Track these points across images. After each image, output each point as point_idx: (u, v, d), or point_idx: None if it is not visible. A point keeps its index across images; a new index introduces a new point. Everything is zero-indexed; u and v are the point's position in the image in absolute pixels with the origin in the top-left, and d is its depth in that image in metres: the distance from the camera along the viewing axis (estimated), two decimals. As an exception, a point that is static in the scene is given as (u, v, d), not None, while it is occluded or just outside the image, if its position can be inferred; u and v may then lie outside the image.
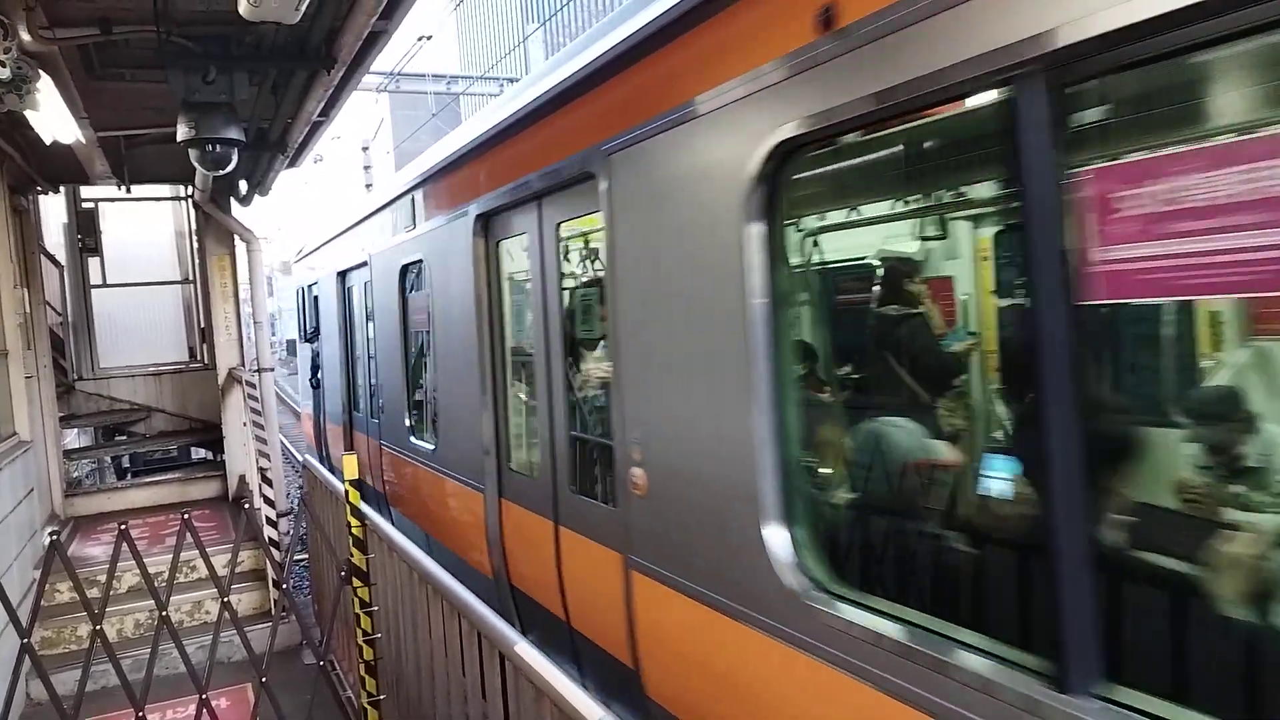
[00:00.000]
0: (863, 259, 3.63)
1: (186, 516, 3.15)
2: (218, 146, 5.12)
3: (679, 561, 3.35)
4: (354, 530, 4.29)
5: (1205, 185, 1.75)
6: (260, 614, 6.71)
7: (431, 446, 6.50)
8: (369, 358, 8.65)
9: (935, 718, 2.25)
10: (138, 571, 3.30)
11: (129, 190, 8.42)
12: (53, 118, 4.94)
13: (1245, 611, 2.07)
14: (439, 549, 6.35)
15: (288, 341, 50.93)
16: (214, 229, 8.55)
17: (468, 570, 5.67)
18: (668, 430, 3.41)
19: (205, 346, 9.72)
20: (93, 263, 9.84)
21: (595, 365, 4.44)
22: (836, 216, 3.39)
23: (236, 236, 8.56)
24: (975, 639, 2.28)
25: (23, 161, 7.02)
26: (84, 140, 5.87)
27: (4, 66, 3.94)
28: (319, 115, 6.23)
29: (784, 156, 2.75)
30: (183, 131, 5.01)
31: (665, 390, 3.41)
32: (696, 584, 3.24)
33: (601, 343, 4.30)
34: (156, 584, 3.18)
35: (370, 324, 8.42)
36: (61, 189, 8.98)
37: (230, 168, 5.46)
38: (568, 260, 4.60)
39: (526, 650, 2.62)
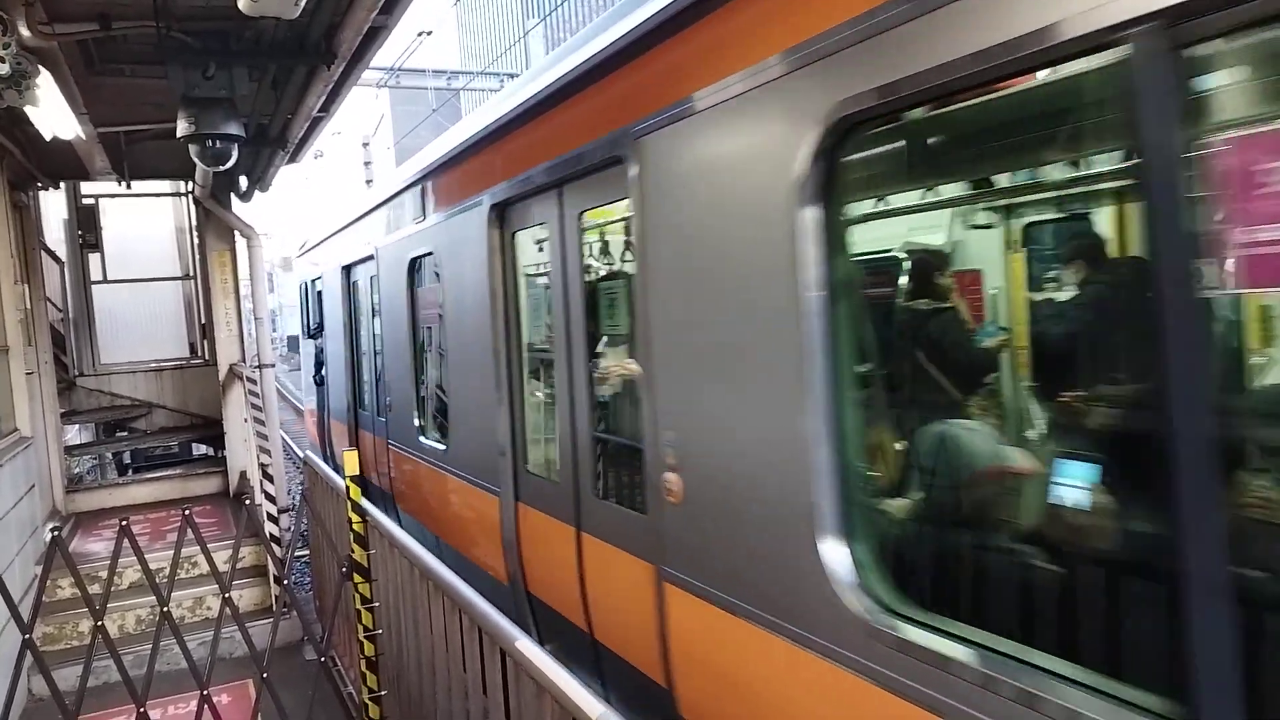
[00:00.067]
0: (933, 246, 3.38)
1: (187, 512, 3.16)
2: (218, 142, 5.11)
3: (719, 575, 3.09)
4: (355, 526, 4.29)
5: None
6: (261, 610, 6.71)
7: (442, 446, 6.29)
8: (375, 354, 8.48)
9: None
10: (139, 567, 3.30)
11: (129, 186, 8.42)
12: (53, 113, 4.93)
13: None
14: (450, 553, 6.12)
15: (288, 337, 51.05)
16: (214, 225, 8.54)
17: (481, 576, 5.46)
18: (706, 433, 3.16)
19: (206, 342, 9.73)
20: (93, 259, 9.87)
21: (621, 362, 4.24)
22: (902, 200, 3.16)
23: (237, 232, 8.55)
24: (1077, 672, 2.02)
25: (23, 157, 7.01)
26: (84, 136, 5.86)
27: (3, 62, 3.94)
28: (319, 111, 6.22)
29: (847, 133, 2.49)
30: (183, 127, 5.00)
31: (704, 390, 3.15)
32: (739, 599, 2.98)
33: (627, 339, 4.09)
34: (158, 580, 3.19)
35: (377, 319, 8.22)
36: (62, 185, 8.99)
37: (230, 163, 5.44)
38: (590, 251, 4.38)
39: (527, 646, 2.62)
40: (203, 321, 9.96)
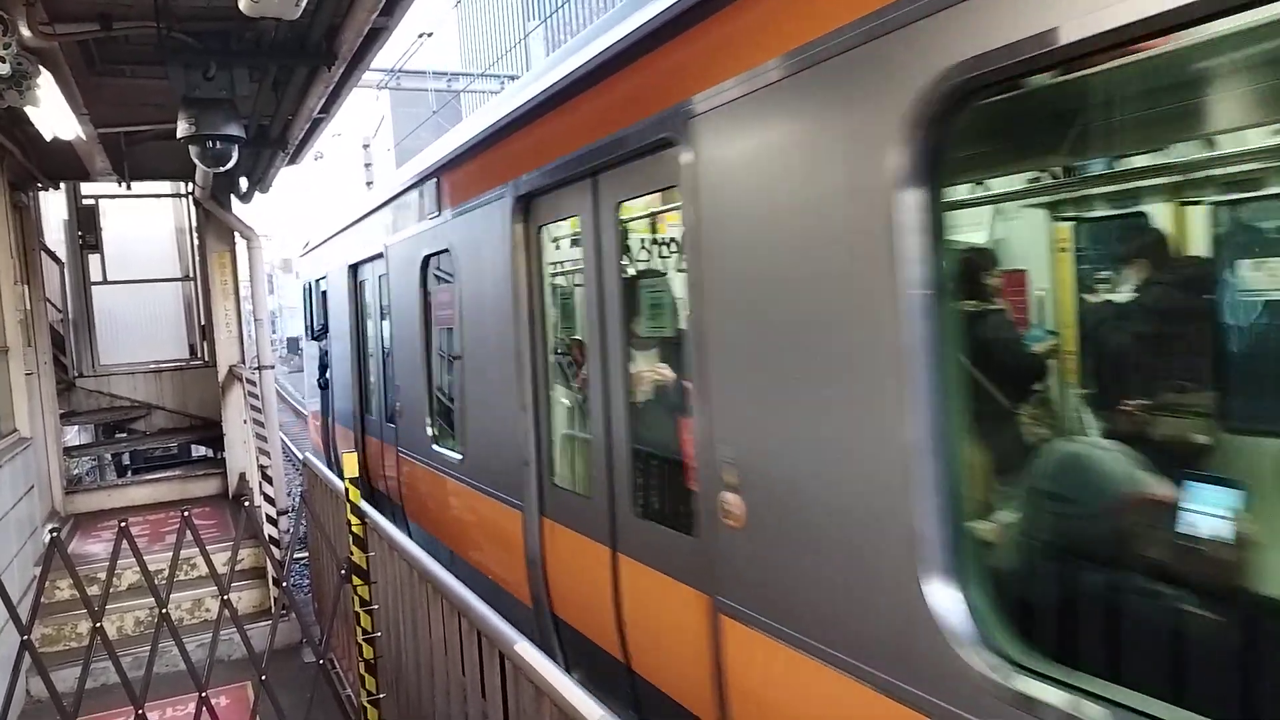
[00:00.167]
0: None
1: (186, 514, 3.15)
2: (218, 143, 5.10)
3: (790, 611, 2.75)
4: (354, 528, 4.28)
5: None
6: (260, 612, 6.70)
7: (459, 456, 5.89)
8: (384, 356, 8.13)
9: None
10: (138, 569, 3.29)
11: (129, 187, 8.42)
12: (53, 114, 4.93)
13: None
14: (465, 568, 5.76)
15: (288, 339, 51.10)
16: (214, 226, 8.54)
17: (501, 595, 5.13)
18: (775, 450, 2.78)
19: (206, 344, 9.73)
20: (93, 259, 9.87)
21: (664, 368, 3.93)
22: (1019, 182, 2.80)
23: (237, 233, 8.56)
24: None
25: (23, 158, 7.01)
26: (84, 136, 5.86)
27: (4, 62, 3.93)
28: (319, 112, 6.22)
29: (964, 99, 2.11)
30: (183, 128, 5.00)
31: (771, 400, 2.79)
32: (816, 640, 2.63)
33: (673, 342, 3.77)
34: (156, 581, 3.18)
35: (386, 320, 7.86)
36: (62, 185, 8.99)
37: (230, 164, 5.45)
38: (629, 245, 4.04)
39: (526, 649, 2.61)
40: (202, 323, 9.96)
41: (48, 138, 5.61)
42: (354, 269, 9.07)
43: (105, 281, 9.93)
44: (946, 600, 2.16)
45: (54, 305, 9.37)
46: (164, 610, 3.05)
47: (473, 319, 5.51)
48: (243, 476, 8.13)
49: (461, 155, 5.58)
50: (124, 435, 9.91)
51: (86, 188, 9.54)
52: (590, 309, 4.10)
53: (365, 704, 4.24)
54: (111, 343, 9.91)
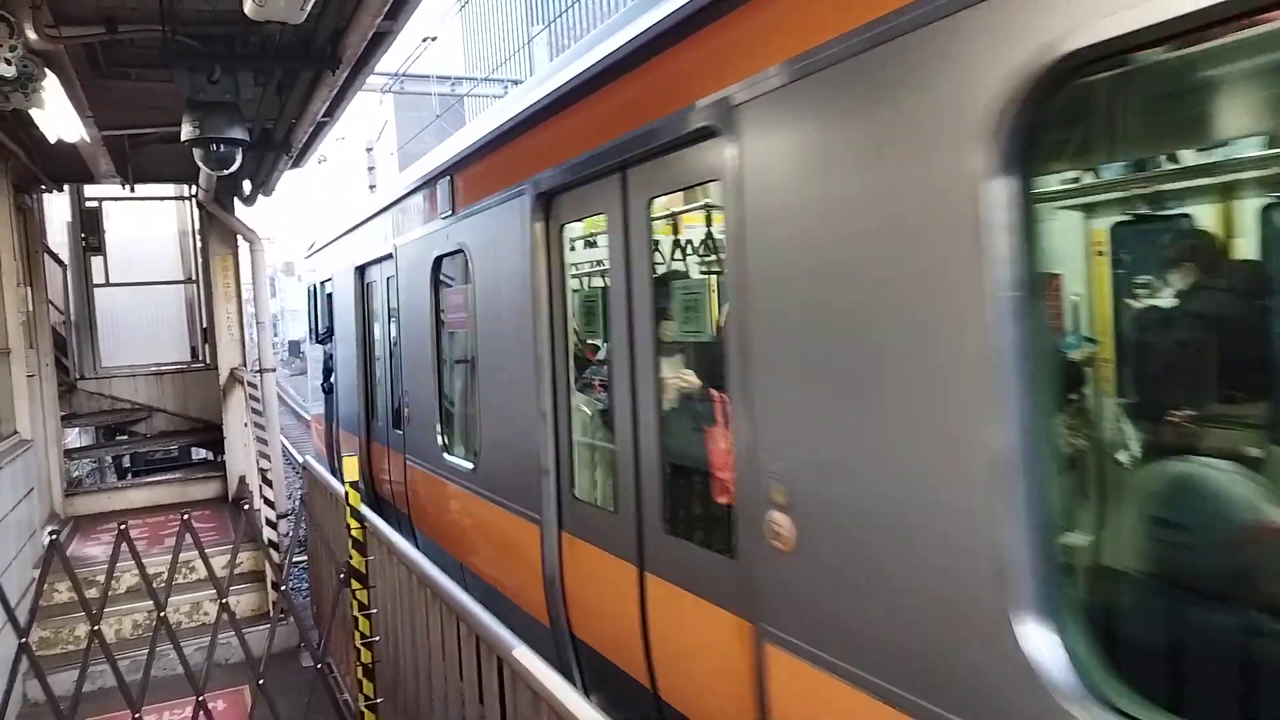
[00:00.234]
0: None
1: (186, 517, 3.15)
2: (222, 146, 5.11)
3: (850, 646, 2.52)
4: (353, 532, 4.27)
5: None
6: (258, 616, 6.69)
7: (470, 465, 5.66)
8: (392, 360, 7.91)
9: None
10: (137, 572, 3.29)
11: (133, 189, 8.43)
12: (58, 116, 4.94)
13: None
14: (476, 583, 5.56)
15: (289, 342, 51.17)
16: (217, 229, 8.56)
17: (515, 612, 4.90)
18: (831, 466, 2.57)
19: (207, 346, 9.73)
20: (96, 262, 9.88)
21: (697, 376, 3.76)
22: (1119, 169, 2.62)
23: (240, 237, 8.57)
24: None
25: (27, 160, 7.03)
26: (89, 139, 5.88)
27: (10, 65, 3.94)
28: (323, 115, 6.23)
29: (1065, 79, 1.89)
30: (187, 131, 5.01)
31: (827, 412, 2.57)
32: (881, 679, 2.39)
33: (710, 347, 3.59)
34: (155, 584, 3.18)
35: (394, 323, 7.63)
36: (66, 188, 9.01)
37: (234, 168, 5.46)
38: (661, 244, 3.84)
39: (525, 655, 2.60)
40: (204, 325, 9.97)
41: (52, 140, 5.62)
42: (361, 270, 8.87)
43: (108, 284, 9.93)
44: (1040, 639, 1.94)
45: (56, 307, 9.38)
46: (162, 613, 3.05)
47: (488, 321, 5.27)
48: (243, 480, 8.12)
49: (477, 151, 5.38)
50: (124, 438, 9.91)
51: (90, 190, 9.56)
52: (616, 312, 3.90)
53: (363, 708, 4.23)
54: (113, 345, 9.91)
